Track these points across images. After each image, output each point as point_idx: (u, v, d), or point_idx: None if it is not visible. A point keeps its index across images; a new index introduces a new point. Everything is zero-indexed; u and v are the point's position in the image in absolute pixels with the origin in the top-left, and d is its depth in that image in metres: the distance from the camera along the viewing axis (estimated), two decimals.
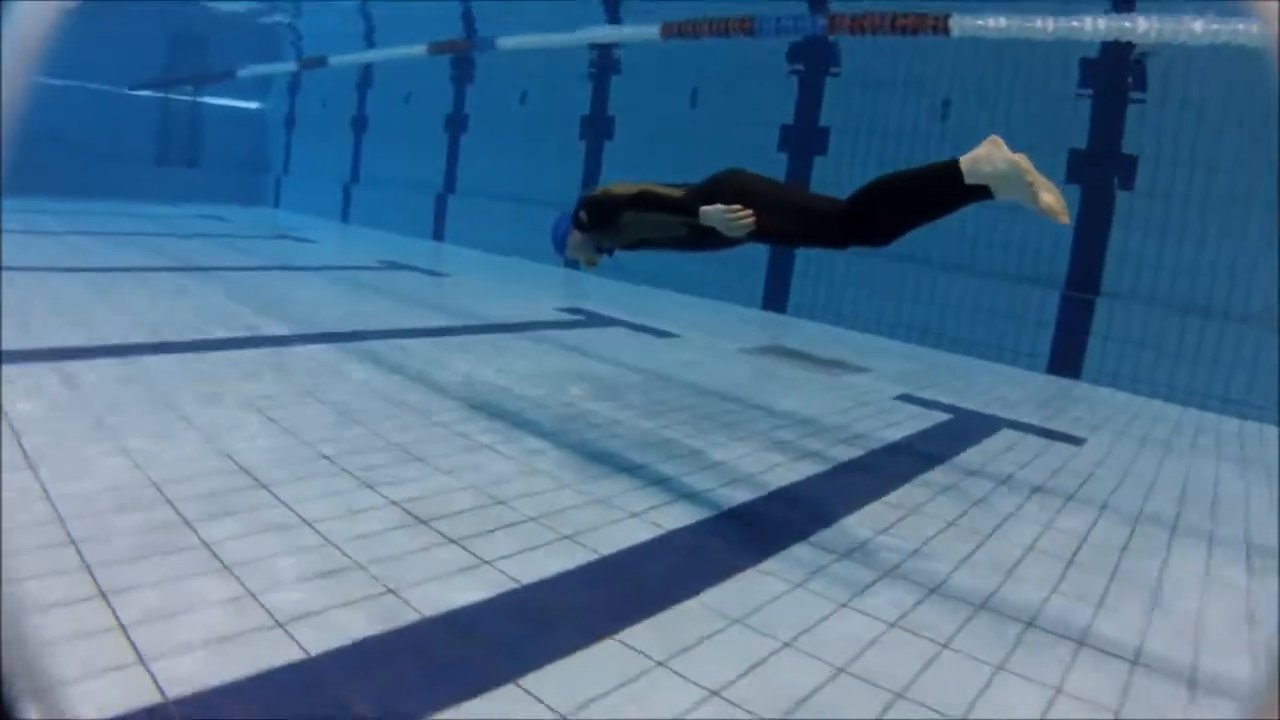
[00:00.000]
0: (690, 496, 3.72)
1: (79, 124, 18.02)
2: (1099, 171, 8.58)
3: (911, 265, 9.48)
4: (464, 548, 2.93)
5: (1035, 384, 7.56)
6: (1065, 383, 7.81)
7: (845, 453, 4.61)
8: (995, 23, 6.35)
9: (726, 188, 3.38)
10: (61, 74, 17.43)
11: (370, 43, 16.38)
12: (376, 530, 2.99)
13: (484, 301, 8.51)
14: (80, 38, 15.87)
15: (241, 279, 8.43)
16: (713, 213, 3.28)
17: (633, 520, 3.37)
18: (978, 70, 9.44)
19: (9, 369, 4.20)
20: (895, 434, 5.10)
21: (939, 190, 3.07)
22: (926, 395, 6.32)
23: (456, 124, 15.14)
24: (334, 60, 11.00)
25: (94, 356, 4.75)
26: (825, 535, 3.43)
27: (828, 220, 3.20)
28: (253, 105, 21.36)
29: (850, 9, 9.26)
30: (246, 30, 19.37)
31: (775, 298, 10.73)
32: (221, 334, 5.72)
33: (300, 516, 2.98)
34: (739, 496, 3.79)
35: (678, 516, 3.46)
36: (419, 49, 9.23)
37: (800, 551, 3.24)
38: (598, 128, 12.75)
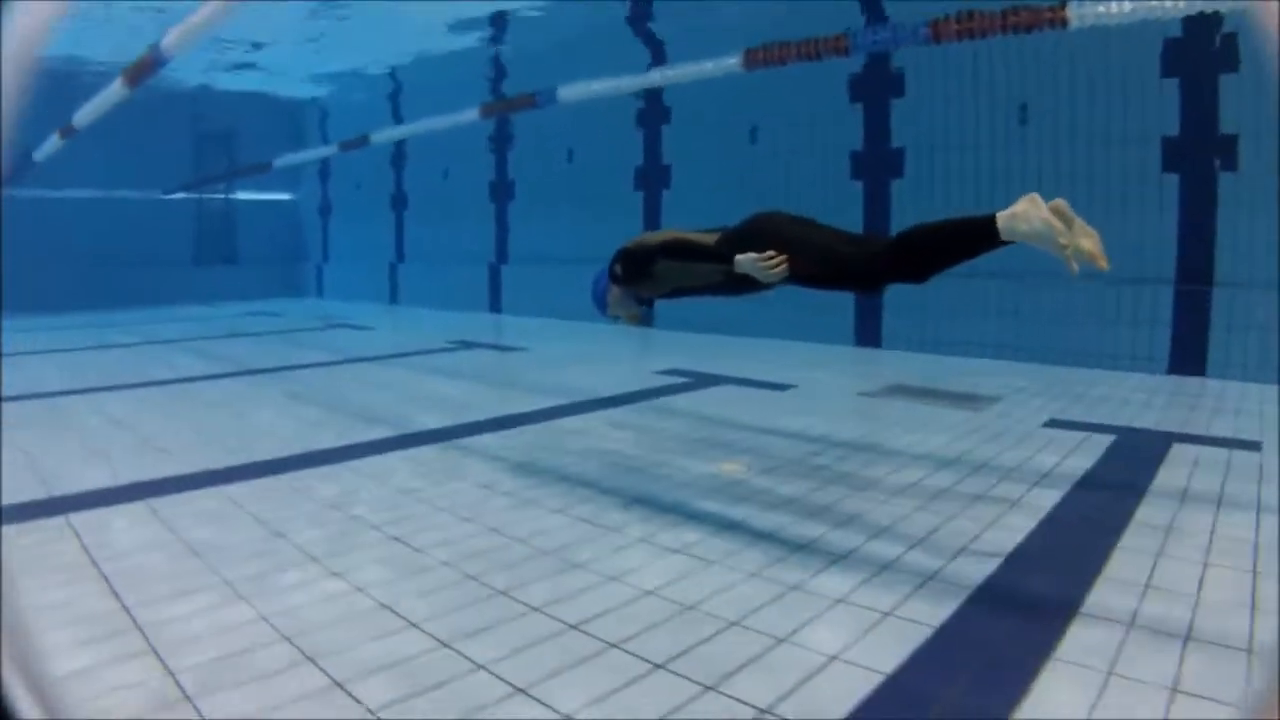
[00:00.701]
0: (903, 572, 3.09)
1: (113, 233, 17.94)
2: (1197, 156, 8.02)
3: (1008, 281, 8.89)
4: (679, 674, 2.29)
5: (1166, 387, 7.04)
6: (1194, 382, 7.27)
7: (1042, 497, 4.02)
8: (1119, 8, 5.70)
9: (760, 232, 3.40)
10: (93, 185, 17.39)
11: (397, 114, 16.08)
12: (564, 666, 2.36)
13: (578, 374, 7.86)
14: (106, 148, 15.99)
15: (311, 378, 7.85)
16: (745, 261, 3.27)
17: (861, 614, 2.70)
18: (1051, 69, 8.87)
19: (103, 511, 3.61)
20: (1074, 466, 4.56)
21: (974, 245, 3.03)
22: (1074, 417, 5.82)
23: (502, 191, 14.70)
24: (376, 137, 10.54)
25: (189, 487, 4.11)
26: (1105, 603, 2.80)
27: (860, 266, 3.20)
28: (285, 196, 21.20)
29: (949, 9, 8.96)
30: (271, 112, 19.20)
31: (868, 332, 10.02)
32: (325, 442, 5.08)
33: (504, 679, 2.26)
34: (972, 570, 3.11)
35: (920, 608, 2.77)
36: (470, 113, 8.71)
37: (1097, 635, 2.55)
38: (653, 177, 12.21)
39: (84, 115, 7.92)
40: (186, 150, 19.41)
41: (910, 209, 9.49)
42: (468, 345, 10.16)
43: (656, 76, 7.36)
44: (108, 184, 18.01)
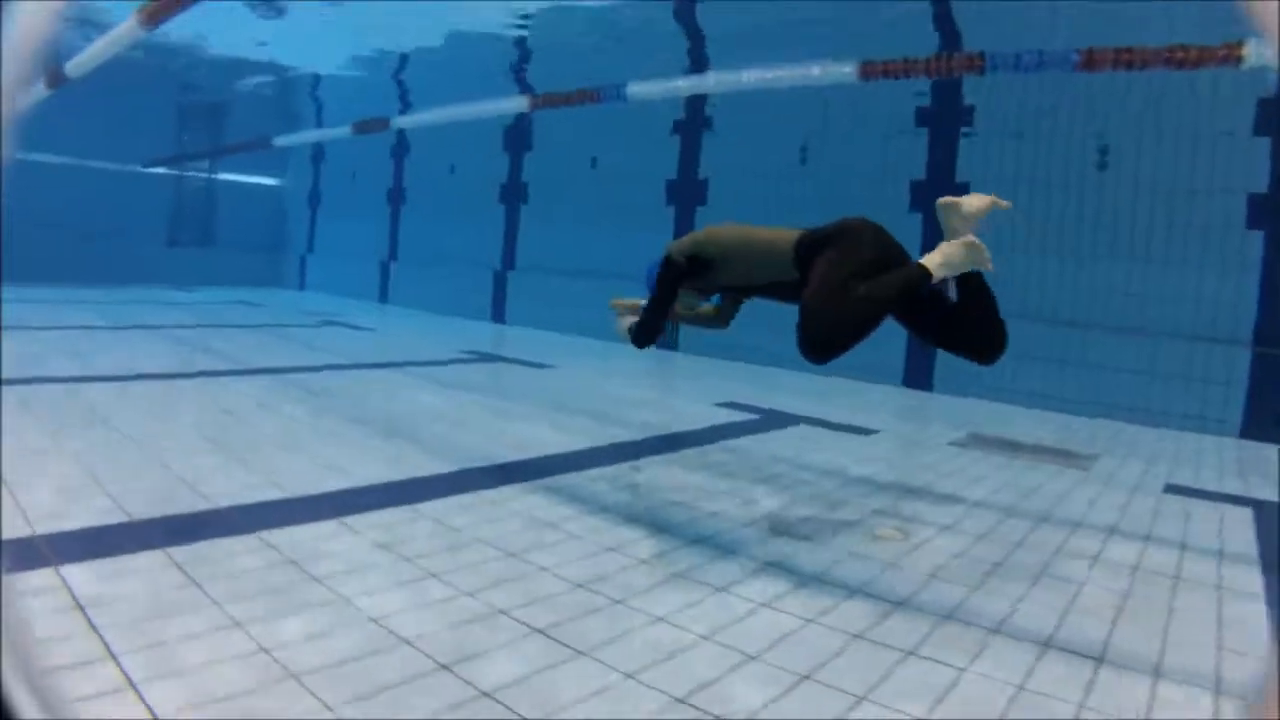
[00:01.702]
0: None
1: (82, 205, 16.67)
2: None
3: (1074, 330, 8.47)
4: None
5: (1249, 454, 6.63)
6: (1268, 449, 6.83)
7: (1238, 579, 3.54)
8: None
9: (847, 235, 3.36)
10: (64, 151, 16.08)
11: (405, 104, 15.12)
12: None
13: (630, 404, 7.00)
14: (82, 111, 14.73)
15: (321, 383, 6.89)
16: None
17: None
18: (1136, 115, 8.33)
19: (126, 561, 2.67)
20: (1234, 544, 4.07)
21: (910, 295, 3.20)
22: (1188, 483, 5.40)
23: (514, 194, 13.79)
24: (401, 121, 9.59)
25: (225, 532, 3.16)
26: None
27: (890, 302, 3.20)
28: (271, 181, 20.04)
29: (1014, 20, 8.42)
30: (261, 100, 18.10)
31: (919, 374, 9.35)
32: (362, 478, 4.15)
33: None
34: None
35: None
36: (517, 101, 7.85)
37: None
38: (687, 192, 11.41)
39: (81, 63, 6.87)
40: (169, 121, 18.22)
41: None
42: (486, 358, 9.22)
43: (740, 78, 6.55)
44: (80, 151, 16.72)
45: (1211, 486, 5.34)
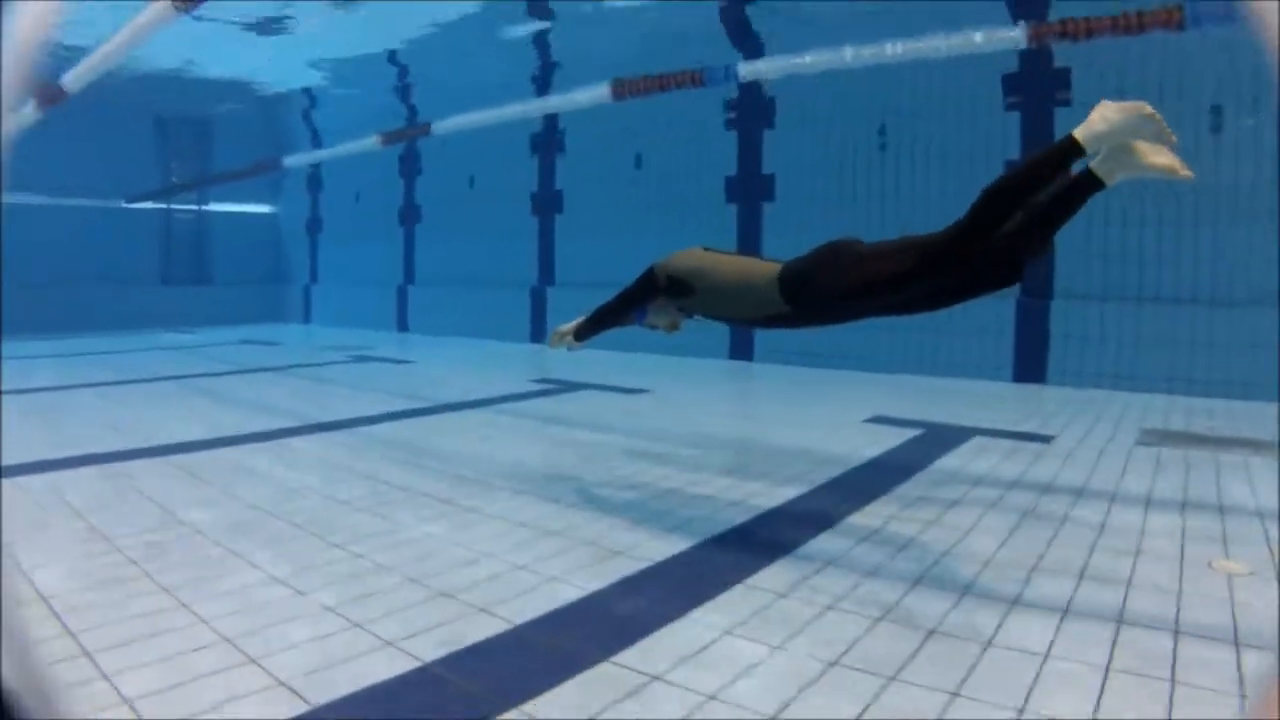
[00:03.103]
0: None
1: (68, 246, 15.42)
2: None
3: (1199, 307, 7.64)
4: None
5: None
6: None
7: None
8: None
9: (834, 256, 3.04)
10: (41, 190, 14.75)
11: (410, 107, 13.99)
12: None
13: (776, 433, 5.92)
14: (59, 146, 13.42)
15: (404, 436, 5.78)
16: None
17: None
18: (1251, 70, 7.41)
19: None
20: None
21: (1056, 171, 2.67)
22: None
23: (548, 204, 12.68)
24: (440, 126, 8.45)
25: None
26: None
27: (944, 244, 2.77)
28: (264, 209, 18.83)
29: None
30: (249, 107, 16.91)
31: (1030, 366, 8.42)
32: (569, 592, 3.04)
33: None
34: None
35: None
36: (596, 92, 6.78)
37: None
38: (751, 188, 10.37)
39: (88, 67, 5.73)
40: (150, 150, 16.99)
41: (1080, 235, 7.90)
42: (568, 386, 8.10)
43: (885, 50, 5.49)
44: (59, 189, 15.43)
45: None
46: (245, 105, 16.47)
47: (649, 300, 3.72)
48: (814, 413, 6.60)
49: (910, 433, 5.76)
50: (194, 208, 17.78)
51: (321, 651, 2.40)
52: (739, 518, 3.78)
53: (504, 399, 7.35)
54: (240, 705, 2.09)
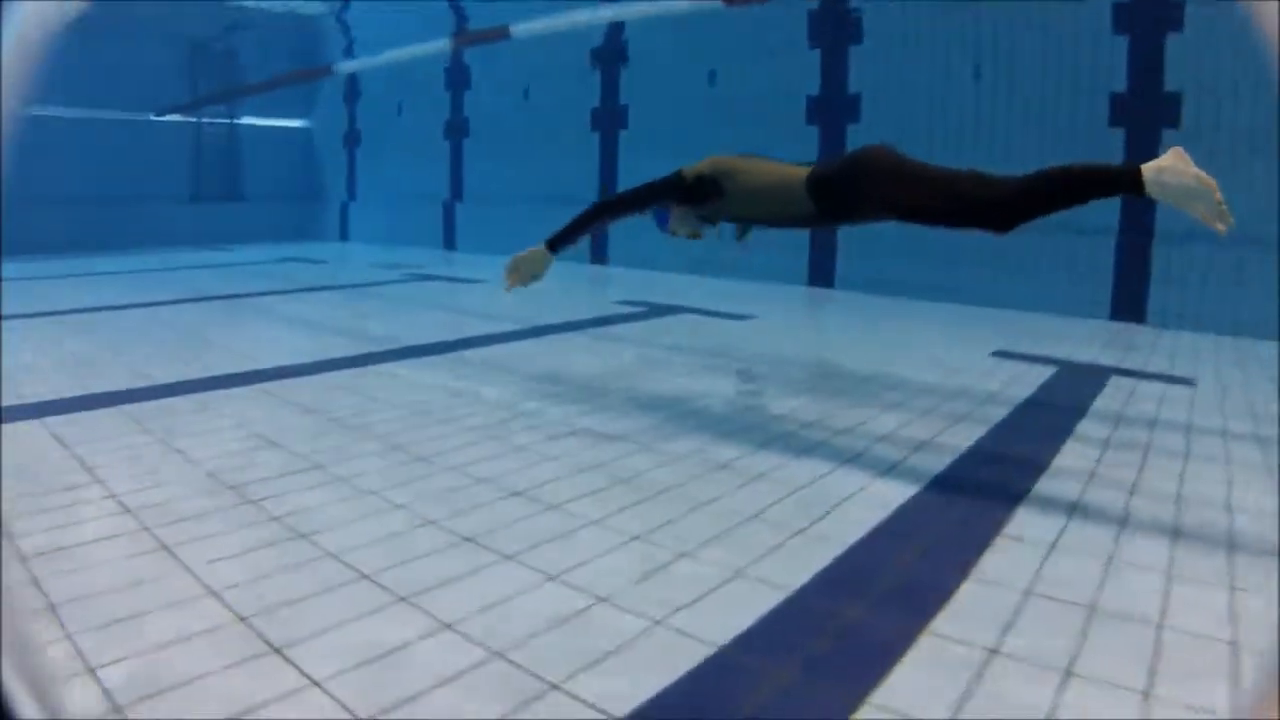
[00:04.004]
0: None
1: (93, 161, 14.93)
2: None
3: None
4: None
5: None
6: None
7: None
8: None
9: (871, 164, 3.24)
10: (70, 103, 14.15)
11: (460, 22, 13.38)
12: None
13: (906, 361, 5.69)
14: (81, 55, 12.80)
15: (544, 366, 5.56)
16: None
17: None
18: None
19: None
20: None
21: (1107, 193, 2.84)
22: None
23: (610, 119, 12.21)
24: (519, 29, 7.94)
25: None
26: None
27: (987, 203, 2.98)
28: (298, 123, 18.25)
29: None
30: (280, 33, 16.29)
31: (1129, 304, 8.07)
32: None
33: None
34: None
35: None
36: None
37: None
38: (835, 108, 9.93)
39: None
40: (181, 62, 16.35)
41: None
42: (658, 309, 7.84)
43: None
44: (84, 101, 14.80)
45: None
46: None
47: (662, 201, 3.90)
48: (933, 345, 6.37)
49: (1045, 369, 5.52)
50: (225, 120, 17.21)
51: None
52: (941, 461, 3.57)
53: (598, 322, 7.12)
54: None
